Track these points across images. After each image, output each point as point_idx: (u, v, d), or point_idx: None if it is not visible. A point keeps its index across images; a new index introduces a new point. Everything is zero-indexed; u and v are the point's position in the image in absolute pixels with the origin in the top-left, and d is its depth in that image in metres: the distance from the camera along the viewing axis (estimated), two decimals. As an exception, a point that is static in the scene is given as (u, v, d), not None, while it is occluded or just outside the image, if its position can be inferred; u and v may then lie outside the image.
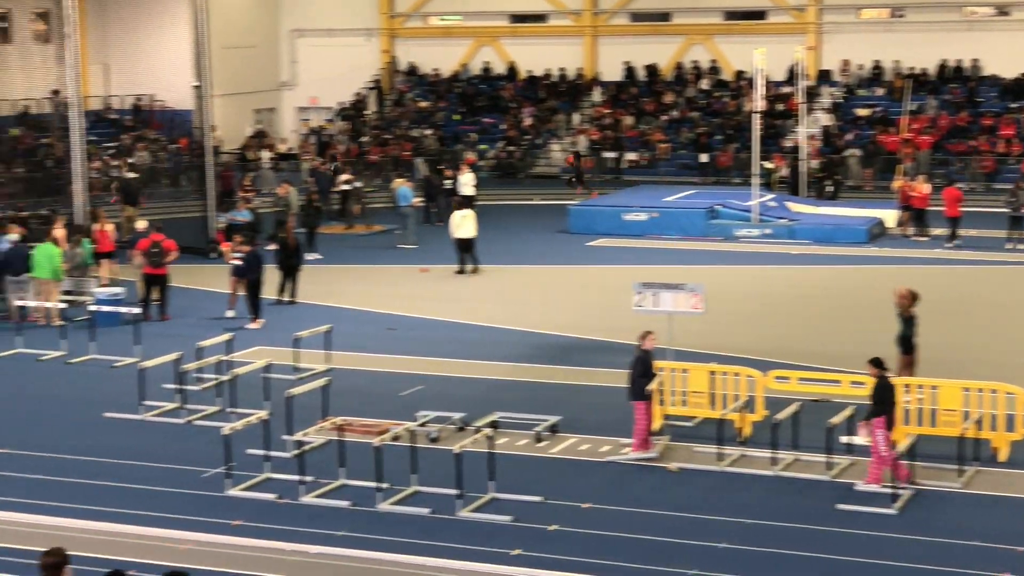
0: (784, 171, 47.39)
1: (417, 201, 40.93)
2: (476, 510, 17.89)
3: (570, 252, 37.80)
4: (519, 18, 59.80)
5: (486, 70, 60.70)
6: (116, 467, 19.95)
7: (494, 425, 20.51)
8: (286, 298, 31.32)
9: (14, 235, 31.04)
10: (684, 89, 57.32)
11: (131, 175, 46.66)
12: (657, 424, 20.77)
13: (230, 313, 29.71)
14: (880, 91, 54.60)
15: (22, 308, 29.01)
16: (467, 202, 38.11)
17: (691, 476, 19.55)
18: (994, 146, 50.19)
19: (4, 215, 35.98)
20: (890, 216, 40.71)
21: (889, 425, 18.48)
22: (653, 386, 20.04)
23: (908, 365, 22.10)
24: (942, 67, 54.73)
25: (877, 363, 18.96)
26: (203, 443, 20.79)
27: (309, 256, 35.11)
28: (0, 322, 29.48)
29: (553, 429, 21.24)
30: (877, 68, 55.52)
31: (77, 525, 17.52)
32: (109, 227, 33.57)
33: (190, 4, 38.59)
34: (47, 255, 29.68)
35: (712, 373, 21.48)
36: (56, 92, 42.65)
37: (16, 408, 23.56)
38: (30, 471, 19.68)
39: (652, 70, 58.23)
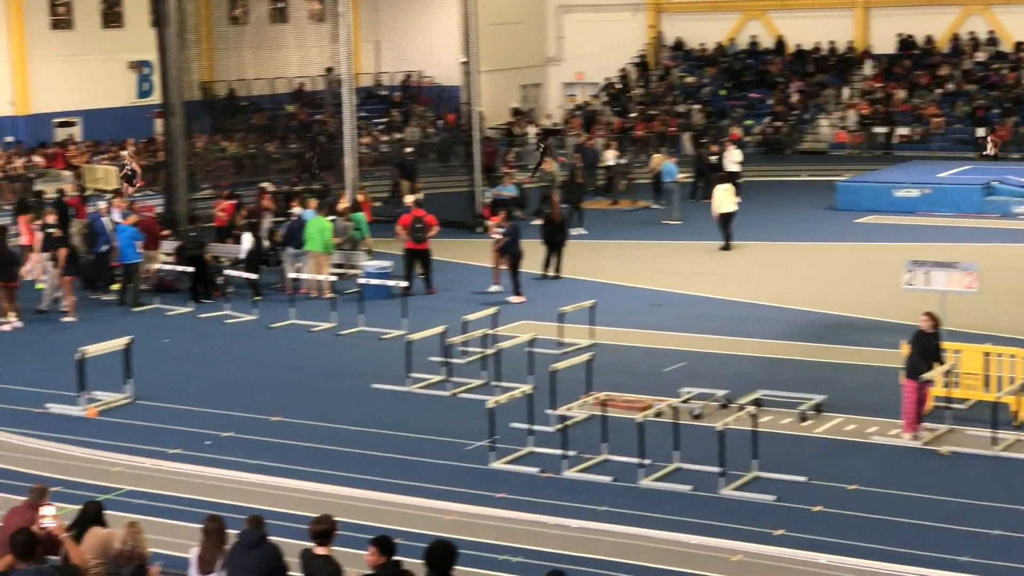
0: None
1: (682, 177, 40.81)
2: (738, 488, 17.76)
3: (837, 229, 37.18)
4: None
5: (753, 44, 60.03)
6: (383, 438, 20.35)
7: (757, 403, 20.24)
8: (551, 273, 31.45)
9: (309, 209, 31.91)
10: (960, 61, 55.69)
11: (408, 150, 47.73)
12: (929, 405, 20.30)
13: (494, 288, 30.00)
14: None
15: (296, 280, 29.85)
16: (730, 178, 37.84)
17: (963, 460, 19.03)
18: None
19: (292, 189, 37.13)
20: None
21: None
22: (933, 374, 19.57)
23: None
24: None
25: None
26: (467, 416, 21.01)
27: (574, 231, 35.17)
28: (275, 294, 30.39)
29: (818, 408, 20.93)
30: None
31: (346, 493, 17.98)
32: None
33: (459, -18, 39.05)
34: (319, 228, 30.39)
35: (987, 354, 20.94)
36: (329, 70, 43.64)
37: (289, 377, 24.21)
38: (303, 439, 20.23)
39: (927, 41, 56.73)
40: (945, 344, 21.06)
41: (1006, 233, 35.73)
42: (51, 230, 29.66)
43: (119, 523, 14.34)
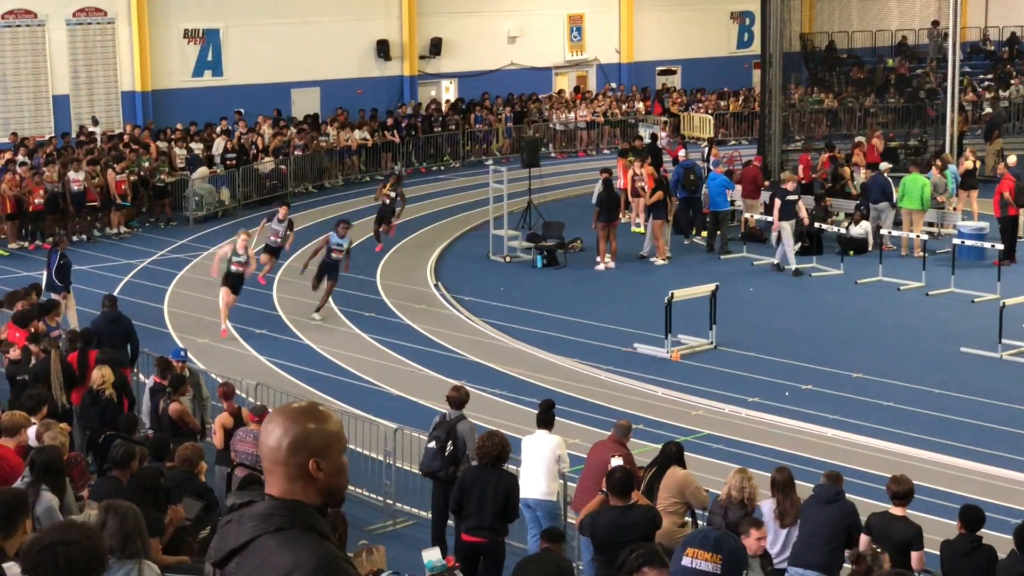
0: None
1: None
2: None
3: None
4: None
5: None
6: (970, 403, 19.99)
7: None
8: None
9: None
10: None
11: (992, 109, 46.01)
12: None
13: None
14: None
15: (880, 236, 29.27)
16: None
17: None
18: None
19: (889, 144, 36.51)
20: None
21: None
22: None
23: None
24: None
25: None
26: None
27: None
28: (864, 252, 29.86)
29: None
30: None
31: (926, 457, 17.80)
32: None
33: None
34: (917, 185, 29.78)
35: None
36: (936, 23, 42.64)
37: (873, 335, 24.13)
38: (884, 398, 20.11)
39: None
40: None
41: None
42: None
43: (696, 465, 14.63)
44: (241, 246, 23.55)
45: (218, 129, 38.13)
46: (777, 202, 28.68)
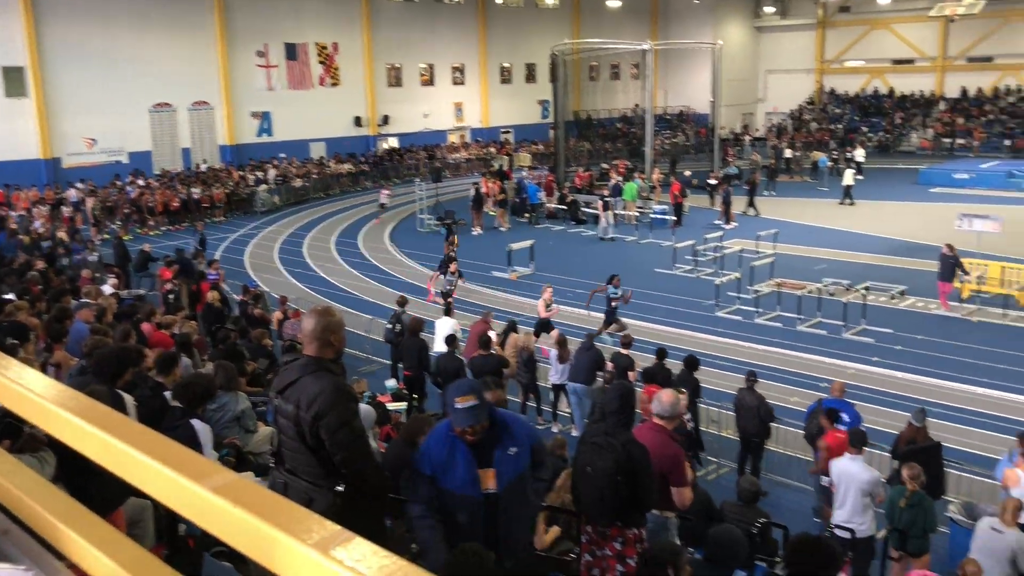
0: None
1: (831, 164, 39.13)
2: (854, 334, 17.39)
3: (919, 195, 34.90)
4: (897, 61, 54.95)
5: (875, 92, 56.25)
6: (656, 292, 20.40)
7: (867, 288, 19.70)
8: (751, 213, 30.70)
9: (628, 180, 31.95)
10: (998, 102, 50.78)
11: (672, 150, 46.94)
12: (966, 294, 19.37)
13: (719, 221, 29.05)
14: None
15: (615, 214, 30.00)
16: (852, 165, 36.27)
17: (983, 325, 18.10)
18: None
19: (618, 167, 37.13)
20: None
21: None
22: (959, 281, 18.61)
23: None
24: None
25: None
26: (705, 287, 20.86)
27: (767, 192, 34.53)
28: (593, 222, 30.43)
29: (902, 293, 20.02)
30: None
31: (666, 329, 18.04)
32: None
33: None
34: (632, 187, 30.40)
35: (1003, 268, 19.85)
36: (637, 105, 43.53)
37: (616, 263, 23.59)
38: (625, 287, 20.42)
39: (978, 91, 51.95)
40: (977, 260, 20.02)
41: (1019, 200, 32.63)
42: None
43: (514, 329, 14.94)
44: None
45: (271, 165, 37.83)
46: (600, 203, 28.54)
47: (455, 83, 48.36)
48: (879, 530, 8.46)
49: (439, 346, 13.51)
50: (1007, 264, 20.08)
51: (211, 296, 15.62)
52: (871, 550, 8.35)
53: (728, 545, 4.12)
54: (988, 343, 16.69)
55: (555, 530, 5.97)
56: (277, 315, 15.35)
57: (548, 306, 16.12)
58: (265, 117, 39.52)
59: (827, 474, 8.87)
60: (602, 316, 17.03)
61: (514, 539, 4.18)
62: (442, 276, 18.66)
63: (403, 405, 11.44)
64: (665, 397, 5.55)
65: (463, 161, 45.01)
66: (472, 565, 3.48)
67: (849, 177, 33.37)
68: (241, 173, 36.03)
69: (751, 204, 30.97)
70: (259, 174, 36.37)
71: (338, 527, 1.17)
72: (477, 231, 29.39)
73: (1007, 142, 46.59)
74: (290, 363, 4.06)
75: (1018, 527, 7.81)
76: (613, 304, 16.63)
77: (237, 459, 6.68)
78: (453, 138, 48.13)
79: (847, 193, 33.00)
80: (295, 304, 17.07)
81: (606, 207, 28.44)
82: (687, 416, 9.92)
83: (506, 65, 50.65)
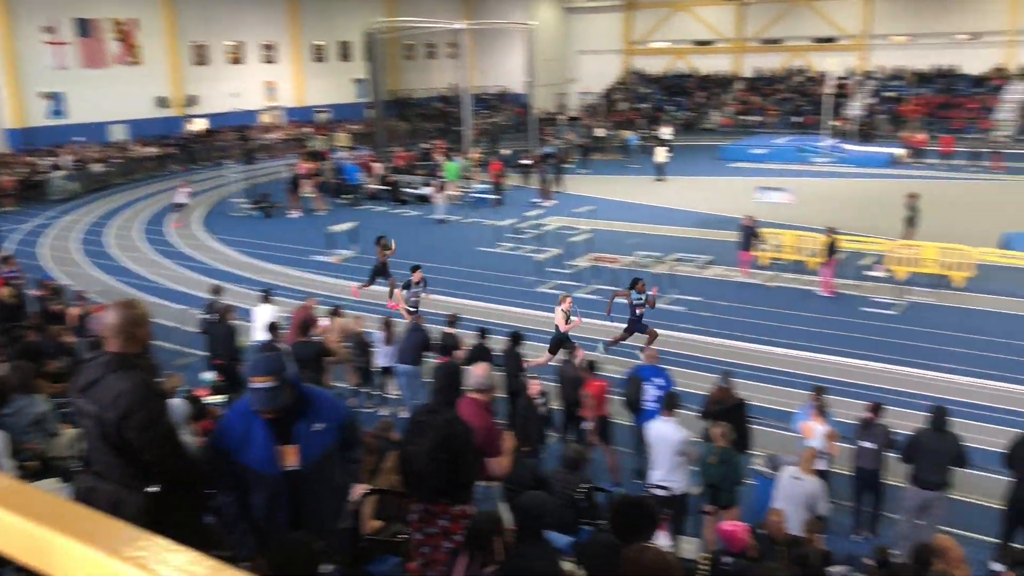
0: (852, 126, 45.11)
1: (640, 143, 40.79)
2: (668, 303, 17.99)
3: (721, 170, 36.97)
4: (699, 42, 57.95)
5: (679, 73, 59.06)
6: (478, 268, 20.74)
7: (678, 260, 20.70)
8: (557, 190, 31.01)
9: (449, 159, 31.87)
10: (787, 81, 54.56)
11: (491, 128, 47.42)
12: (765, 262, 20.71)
13: (536, 199, 29.74)
14: (900, 82, 51.01)
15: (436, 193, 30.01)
16: (664, 143, 37.80)
17: (780, 289, 19.39)
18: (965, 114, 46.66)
19: (438, 147, 37.06)
20: (900, 151, 38.45)
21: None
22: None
23: (911, 236, 21.38)
24: (929, 70, 50.80)
25: (830, 230, 18.69)
26: (527, 263, 21.11)
27: (582, 170, 35.35)
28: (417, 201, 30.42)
29: (710, 263, 21.04)
30: (900, 70, 51.83)
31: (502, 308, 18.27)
32: None
33: None
34: (453, 167, 30.64)
35: (798, 236, 21.28)
36: (456, 84, 43.65)
37: (443, 241, 24.07)
38: (452, 265, 20.17)
39: (770, 71, 55.65)
40: (774, 230, 21.37)
41: (808, 173, 35.29)
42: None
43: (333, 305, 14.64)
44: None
45: (66, 149, 35.14)
46: (435, 183, 28.39)
47: (266, 61, 46.73)
48: (693, 487, 8.95)
49: (260, 334, 13.07)
50: (800, 233, 21.57)
51: (4, 292, 14.55)
52: (686, 506, 8.84)
53: (530, 511, 4.26)
54: (784, 306, 17.92)
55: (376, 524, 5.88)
56: (75, 311, 14.44)
57: (568, 318, 13.76)
58: (57, 98, 36.71)
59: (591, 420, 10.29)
60: (615, 324, 15.32)
61: (320, 519, 4.06)
62: (404, 290, 15.64)
63: (223, 398, 11.02)
64: (478, 371, 5.62)
65: (278, 142, 43.63)
66: (299, 556, 3.41)
67: (662, 154, 34.85)
68: (31, 159, 33.34)
69: (555, 181, 31.42)
70: (53, 159, 33.80)
71: (135, 529, 1.11)
72: (295, 214, 28.65)
73: (798, 119, 50.20)
74: (92, 360, 3.86)
75: (815, 474, 8.50)
76: (639, 312, 14.44)
77: (41, 464, 6.26)
78: (266, 118, 46.54)
79: (660, 170, 34.49)
80: (99, 297, 16.10)
81: (442, 188, 28.31)
82: (540, 400, 10.05)
83: (319, 43, 49.40)
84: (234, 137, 42.21)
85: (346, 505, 4.59)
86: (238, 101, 44.84)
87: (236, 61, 45.01)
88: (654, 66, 59.83)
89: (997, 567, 6.54)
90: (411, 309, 15.21)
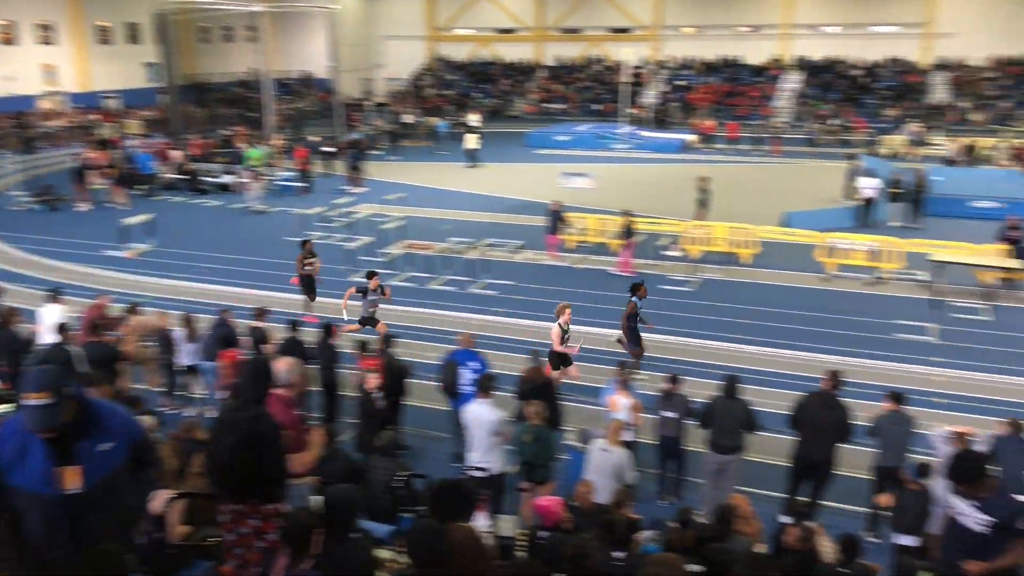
0: (648, 113, 47.31)
1: (450, 129, 41.11)
2: (479, 288, 18.16)
3: (527, 156, 37.80)
4: (501, 30, 58.88)
5: (484, 61, 59.78)
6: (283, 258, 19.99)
7: (489, 245, 20.95)
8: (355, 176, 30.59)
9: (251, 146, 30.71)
10: (587, 69, 56.56)
11: (294, 113, 46.10)
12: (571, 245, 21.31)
13: (345, 187, 29.49)
14: (690, 72, 54.05)
15: (239, 182, 28.97)
16: (473, 129, 38.17)
17: (587, 272, 19.97)
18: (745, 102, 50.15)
19: (239, 133, 35.63)
20: (692, 137, 40.77)
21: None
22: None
23: (703, 217, 22.65)
24: (715, 60, 54.21)
25: (626, 212, 19.56)
26: (338, 254, 20.72)
27: (393, 157, 35.05)
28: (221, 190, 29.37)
29: (521, 247, 21.44)
30: (690, 60, 54.90)
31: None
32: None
33: None
34: (255, 152, 29.59)
35: (600, 219, 21.97)
36: (255, 69, 42.13)
37: (252, 229, 23.53)
38: (267, 258, 19.72)
39: (571, 60, 57.45)
40: (579, 214, 22.07)
41: (608, 159, 36.75)
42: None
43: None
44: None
45: None
46: (247, 172, 27.13)
47: (44, 43, 43.24)
48: (509, 466, 9.15)
49: (48, 336, 12.14)
50: (602, 216, 22.43)
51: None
52: (503, 485, 9.03)
53: (337, 504, 4.24)
54: (590, 287, 18.59)
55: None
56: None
57: (564, 335, 11.90)
58: None
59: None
60: (611, 332, 14.80)
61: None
62: (359, 302, 13.74)
63: (10, 407, 10.14)
64: (280, 366, 5.50)
65: (61, 129, 40.52)
66: (106, 567, 3.22)
67: (472, 141, 35.17)
68: None
69: (355, 168, 30.81)
70: None
71: None
72: (83, 207, 26.77)
73: (598, 106, 52.08)
74: None
75: (622, 445, 8.90)
76: (641, 321, 13.24)
77: None
78: (46, 104, 43.10)
79: (472, 156, 34.80)
80: None
81: (256, 177, 27.27)
82: (378, 395, 9.91)
83: (104, 24, 46.21)
84: (10, 124, 38.82)
85: (137, 528, 4.31)
86: (13, 85, 41.25)
87: (8, 42, 41.37)
88: (459, 53, 60.26)
89: (785, 519, 7.10)
90: (366, 316, 13.61)
